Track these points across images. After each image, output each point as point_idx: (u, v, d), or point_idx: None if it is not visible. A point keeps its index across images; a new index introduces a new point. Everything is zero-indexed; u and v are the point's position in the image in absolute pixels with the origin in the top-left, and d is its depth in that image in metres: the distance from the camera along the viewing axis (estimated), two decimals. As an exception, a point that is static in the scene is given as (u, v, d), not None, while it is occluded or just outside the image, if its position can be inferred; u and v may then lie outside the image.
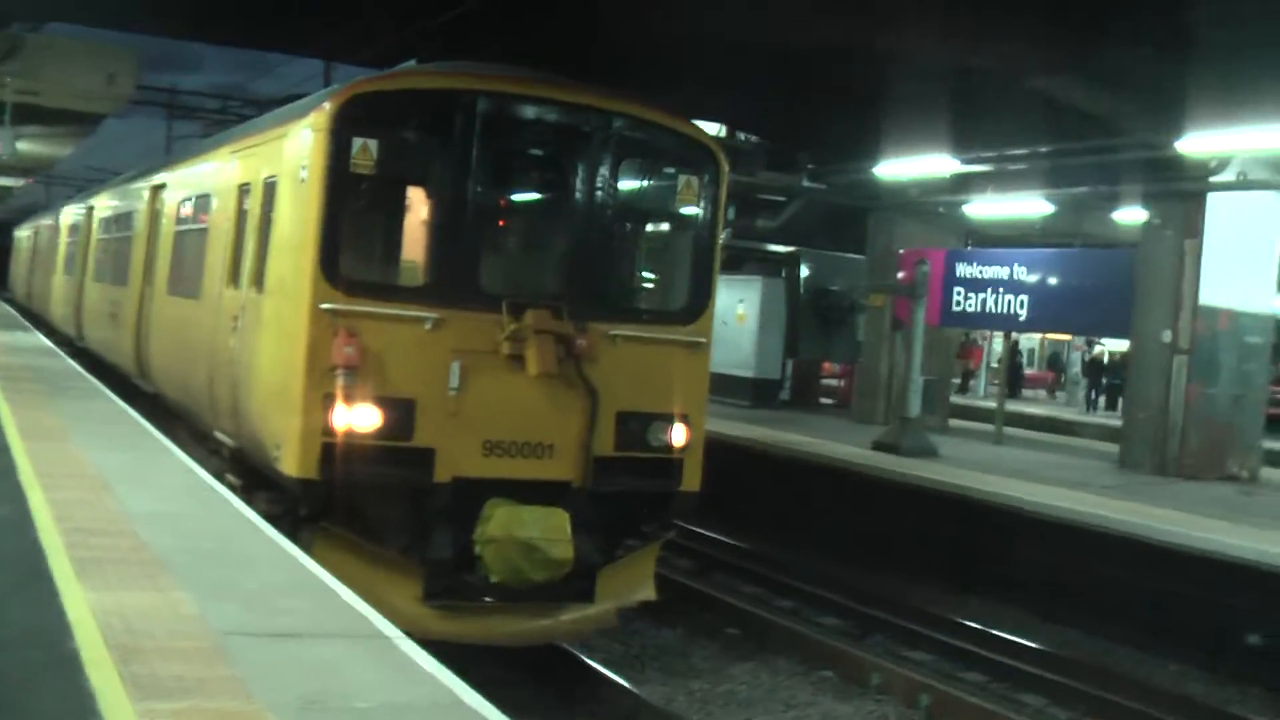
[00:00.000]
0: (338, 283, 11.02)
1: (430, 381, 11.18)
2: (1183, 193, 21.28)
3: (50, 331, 30.81)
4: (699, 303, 12.60)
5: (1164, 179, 21.32)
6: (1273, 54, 17.10)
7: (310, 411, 10.85)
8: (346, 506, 11.13)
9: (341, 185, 11.13)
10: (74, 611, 7.04)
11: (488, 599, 11.59)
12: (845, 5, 18.78)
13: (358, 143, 11.05)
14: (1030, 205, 26.05)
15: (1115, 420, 30.83)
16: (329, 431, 10.85)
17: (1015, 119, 22.58)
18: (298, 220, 11.41)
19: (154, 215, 19.32)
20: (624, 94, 12.41)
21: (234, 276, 13.39)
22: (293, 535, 10.19)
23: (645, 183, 12.89)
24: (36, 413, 15.02)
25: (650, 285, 13.97)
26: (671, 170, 12.76)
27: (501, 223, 12.93)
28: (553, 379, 11.41)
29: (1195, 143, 19.05)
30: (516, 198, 13.13)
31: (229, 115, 39.04)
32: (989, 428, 27.23)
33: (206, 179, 15.97)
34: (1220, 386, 21.59)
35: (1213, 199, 21.23)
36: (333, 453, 10.86)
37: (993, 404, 29.96)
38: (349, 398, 10.81)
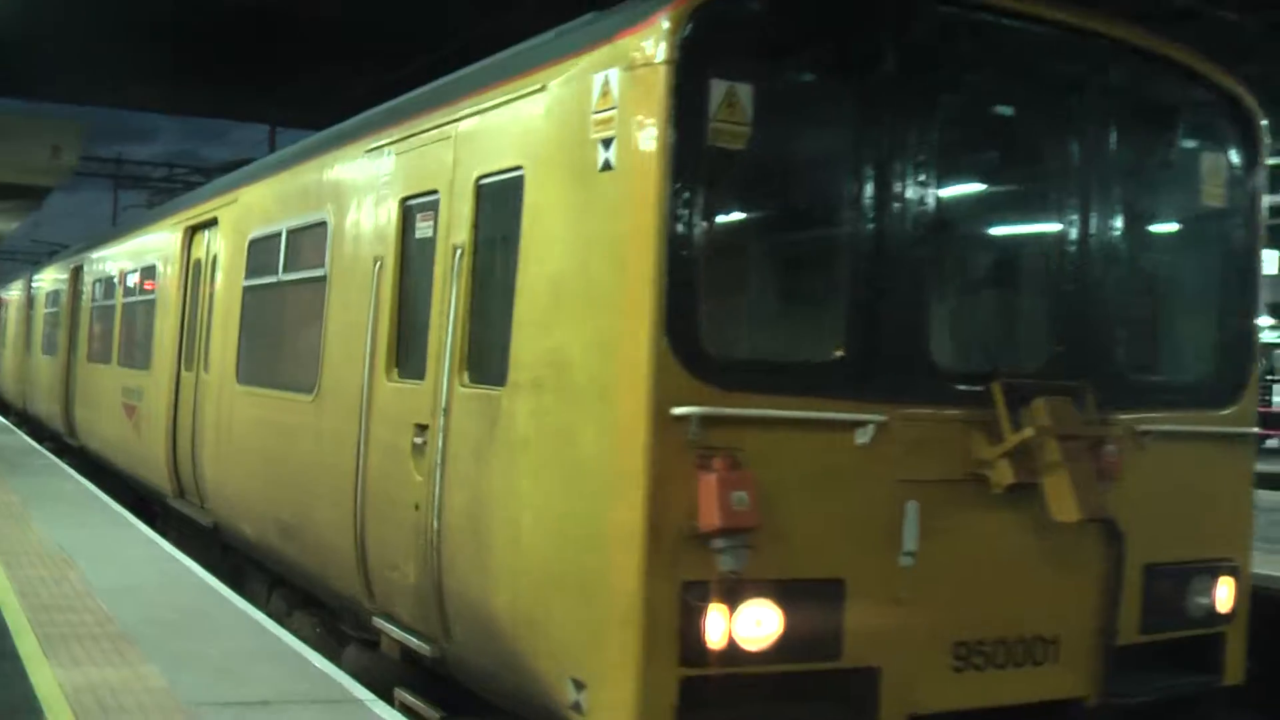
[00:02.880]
0: (703, 367, 5.95)
1: (865, 543, 6.29)
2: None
3: (23, 420, 29.31)
4: (1239, 369, 7.71)
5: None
6: None
7: (656, 618, 5.84)
8: None
9: (695, 174, 5.97)
10: (43, 690, 7.04)
11: None
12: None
13: (720, 89, 5.96)
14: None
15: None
16: (695, 656, 5.87)
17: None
18: (597, 248, 6.38)
19: (193, 268, 13.91)
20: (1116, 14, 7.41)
21: (397, 358, 8.47)
22: None
23: (1157, 164, 7.54)
24: (-10, 492, 14.93)
25: (1162, 340, 8.20)
26: (1191, 144, 7.61)
27: (962, 240, 7.54)
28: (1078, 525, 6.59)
29: None
30: (984, 192, 7.75)
31: (175, 183, 39.20)
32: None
33: (312, 198, 10.40)
34: None
35: None
36: (702, 695, 5.94)
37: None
38: (736, 591, 5.90)
